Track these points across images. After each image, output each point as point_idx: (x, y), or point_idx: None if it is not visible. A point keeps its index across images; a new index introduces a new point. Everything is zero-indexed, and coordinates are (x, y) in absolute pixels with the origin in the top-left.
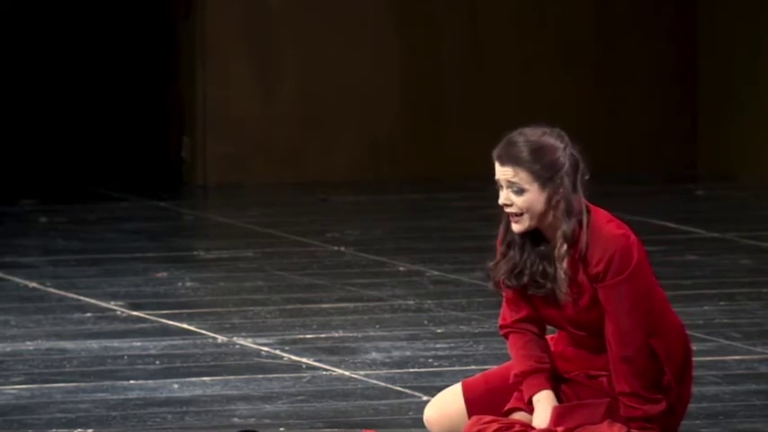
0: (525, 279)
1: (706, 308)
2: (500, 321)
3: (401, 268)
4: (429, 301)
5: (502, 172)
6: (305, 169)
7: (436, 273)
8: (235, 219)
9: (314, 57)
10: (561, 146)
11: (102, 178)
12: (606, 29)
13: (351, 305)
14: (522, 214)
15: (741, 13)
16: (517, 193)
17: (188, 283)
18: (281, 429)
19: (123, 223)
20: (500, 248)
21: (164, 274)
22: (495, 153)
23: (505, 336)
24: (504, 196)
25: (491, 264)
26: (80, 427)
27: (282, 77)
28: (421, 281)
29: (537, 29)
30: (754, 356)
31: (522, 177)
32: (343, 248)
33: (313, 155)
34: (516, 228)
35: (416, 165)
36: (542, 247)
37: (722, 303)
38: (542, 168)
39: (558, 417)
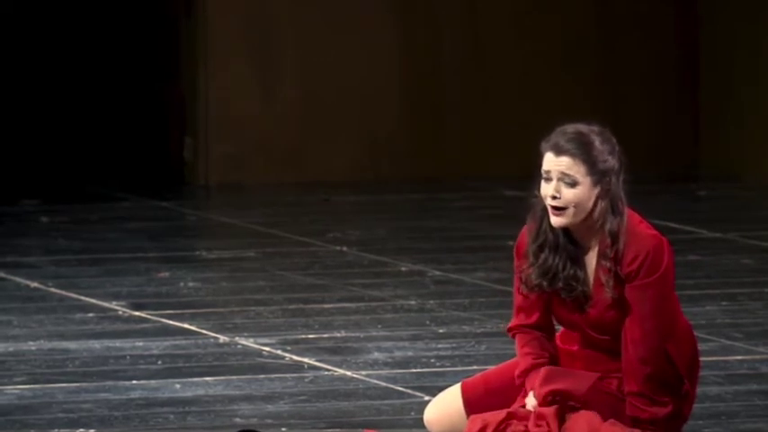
0: (560, 283)
1: (708, 308)
2: (509, 325)
3: (403, 268)
4: (431, 301)
5: (556, 162)
6: (306, 169)
7: (438, 273)
8: (236, 219)
9: (314, 57)
10: (611, 146)
11: (103, 178)
12: (607, 29)
13: (353, 305)
14: (566, 209)
15: (741, 13)
16: (570, 185)
17: (190, 283)
18: (283, 429)
19: (125, 223)
20: (528, 250)
21: (165, 274)
22: (548, 144)
23: (513, 336)
24: (554, 188)
25: (524, 267)
26: (82, 427)
27: (283, 77)
28: (423, 281)
29: (537, 29)
30: (756, 356)
31: (578, 170)
32: (344, 248)
33: (314, 155)
34: (557, 221)
35: (417, 165)
36: (571, 250)
37: (724, 303)
38: (598, 163)
39: (545, 379)
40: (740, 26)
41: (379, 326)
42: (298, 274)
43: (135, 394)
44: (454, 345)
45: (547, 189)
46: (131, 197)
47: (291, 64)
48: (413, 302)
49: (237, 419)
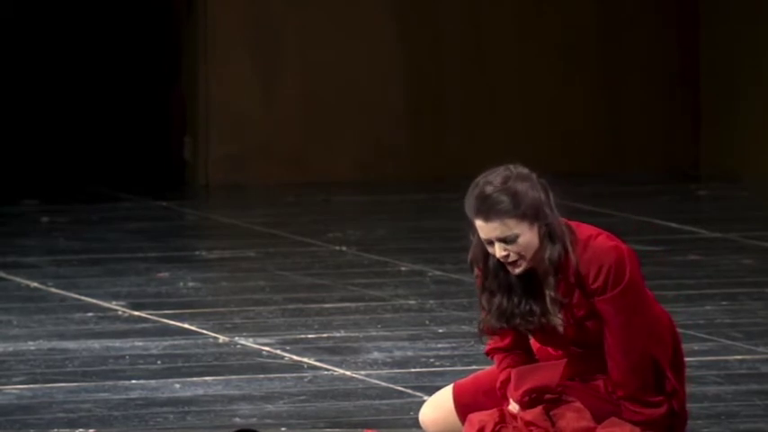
0: (517, 320)
1: (708, 308)
2: (486, 348)
3: (403, 268)
4: (431, 301)
5: (490, 229)
6: (307, 169)
7: (438, 272)
8: (237, 219)
9: (316, 58)
10: (530, 181)
11: (104, 178)
12: (608, 29)
13: (352, 305)
14: (519, 259)
15: (742, 13)
16: (511, 242)
17: (190, 283)
18: (283, 429)
19: (125, 223)
20: (482, 298)
21: (165, 274)
22: (471, 210)
23: (492, 358)
24: (501, 248)
25: (481, 318)
26: (82, 427)
27: (285, 78)
28: (423, 281)
29: (538, 29)
30: (756, 356)
31: (513, 225)
32: (344, 248)
33: (315, 155)
34: (517, 271)
35: (418, 165)
36: (524, 285)
37: (724, 303)
38: (527, 209)
39: (516, 381)
40: (741, 26)
41: (379, 326)
42: (298, 274)
43: (134, 394)
44: (454, 345)
45: (495, 251)
46: (132, 197)
47: (292, 64)
48: (413, 302)
49: (237, 419)
